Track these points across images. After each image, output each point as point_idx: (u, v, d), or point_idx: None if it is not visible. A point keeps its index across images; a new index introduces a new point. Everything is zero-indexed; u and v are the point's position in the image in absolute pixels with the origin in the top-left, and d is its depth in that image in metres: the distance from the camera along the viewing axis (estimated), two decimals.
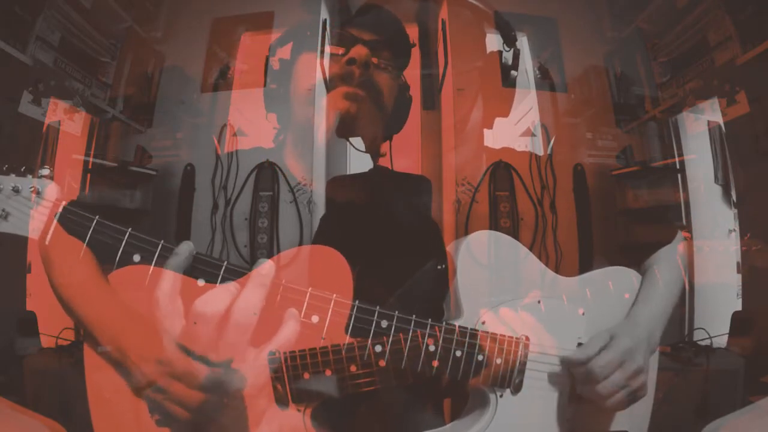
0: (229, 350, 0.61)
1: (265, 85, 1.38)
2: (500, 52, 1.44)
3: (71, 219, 0.61)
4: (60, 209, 0.61)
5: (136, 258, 0.61)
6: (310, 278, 0.69)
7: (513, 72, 1.38)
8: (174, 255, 0.62)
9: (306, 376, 0.74)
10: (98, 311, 0.83)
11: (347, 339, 0.72)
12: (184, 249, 0.63)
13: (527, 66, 1.56)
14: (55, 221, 0.60)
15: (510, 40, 1.35)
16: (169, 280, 0.61)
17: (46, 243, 0.60)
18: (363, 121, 1.09)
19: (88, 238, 0.60)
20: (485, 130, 1.50)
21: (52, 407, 1.14)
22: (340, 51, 1.09)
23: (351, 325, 0.69)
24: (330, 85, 1.09)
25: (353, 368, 0.74)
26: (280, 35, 1.34)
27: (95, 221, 0.61)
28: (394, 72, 1.13)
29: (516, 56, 1.37)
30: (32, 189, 0.61)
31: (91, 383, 0.81)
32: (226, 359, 0.61)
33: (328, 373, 0.74)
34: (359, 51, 1.05)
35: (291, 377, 0.74)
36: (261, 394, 0.71)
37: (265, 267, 0.63)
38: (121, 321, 0.81)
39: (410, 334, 0.73)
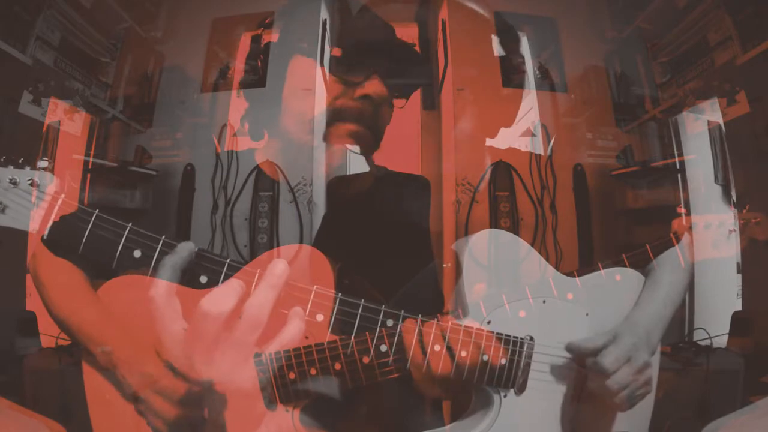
0: (229, 352, 0.59)
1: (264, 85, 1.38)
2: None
3: (70, 215, 0.59)
4: (59, 203, 0.59)
5: (137, 254, 0.59)
6: (293, 278, 0.68)
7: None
8: (173, 253, 0.59)
9: (291, 375, 0.73)
10: (88, 322, 0.82)
11: (351, 338, 0.71)
12: (184, 248, 0.60)
13: (527, 66, 1.56)
14: (51, 218, 0.59)
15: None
16: (165, 278, 0.58)
17: (46, 237, 0.58)
18: (362, 149, 1.04)
19: (87, 233, 0.58)
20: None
21: (52, 407, 1.14)
22: (357, 80, 0.96)
23: (356, 323, 0.69)
24: (331, 116, 0.99)
25: (337, 366, 0.73)
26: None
27: (95, 215, 0.59)
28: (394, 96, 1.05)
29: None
30: (30, 181, 0.59)
31: (90, 386, 0.81)
32: (207, 378, 0.58)
33: (313, 372, 0.73)
34: (377, 89, 0.95)
35: (278, 378, 0.73)
36: (259, 395, 0.70)
37: (279, 266, 0.59)
38: (110, 332, 0.80)
39: (416, 332, 0.73)
